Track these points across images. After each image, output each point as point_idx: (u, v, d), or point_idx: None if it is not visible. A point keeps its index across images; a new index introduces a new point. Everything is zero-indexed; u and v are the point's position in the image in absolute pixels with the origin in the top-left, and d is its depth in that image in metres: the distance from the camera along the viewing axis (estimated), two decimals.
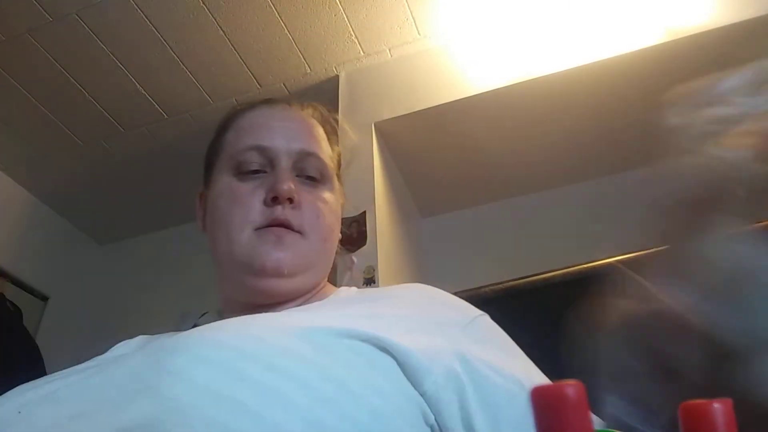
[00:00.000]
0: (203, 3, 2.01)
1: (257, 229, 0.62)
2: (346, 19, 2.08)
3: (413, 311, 0.55)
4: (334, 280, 0.75)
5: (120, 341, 0.64)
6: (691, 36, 1.81)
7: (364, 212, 1.84)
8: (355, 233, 1.78)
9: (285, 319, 0.52)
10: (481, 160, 2.24)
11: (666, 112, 0.36)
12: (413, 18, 2.08)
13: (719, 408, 0.23)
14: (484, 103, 2.01)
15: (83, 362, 0.57)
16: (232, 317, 0.52)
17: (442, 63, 2.11)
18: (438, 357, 0.48)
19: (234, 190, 0.65)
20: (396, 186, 2.18)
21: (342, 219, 0.75)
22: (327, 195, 0.68)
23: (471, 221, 2.42)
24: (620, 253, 0.93)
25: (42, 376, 0.54)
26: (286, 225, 0.62)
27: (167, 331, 0.65)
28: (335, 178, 0.72)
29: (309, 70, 2.26)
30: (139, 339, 0.63)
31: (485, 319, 0.57)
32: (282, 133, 0.68)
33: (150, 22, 2.07)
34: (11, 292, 2.52)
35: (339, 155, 0.77)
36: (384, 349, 0.47)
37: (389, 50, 2.19)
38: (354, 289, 0.70)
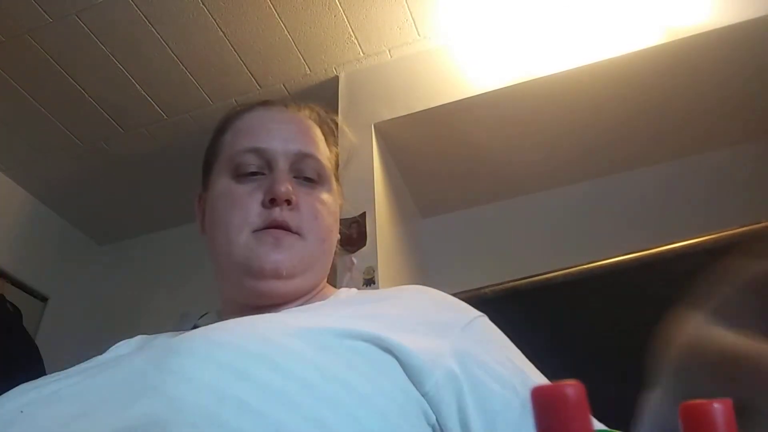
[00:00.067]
0: (203, 3, 2.01)
1: (255, 231, 0.62)
2: (346, 19, 2.08)
3: (413, 312, 0.55)
4: (333, 280, 0.75)
5: (119, 341, 0.64)
6: (690, 36, 1.81)
7: (364, 213, 1.84)
8: (355, 234, 1.78)
9: (287, 319, 0.52)
10: (481, 161, 2.24)
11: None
12: (413, 18, 2.08)
13: (719, 408, 0.23)
14: (484, 103, 2.01)
15: (83, 362, 0.57)
16: (231, 318, 0.52)
17: (441, 63, 2.12)
18: (439, 358, 0.48)
19: (232, 192, 0.65)
20: (396, 186, 2.18)
21: (342, 219, 0.75)
22: (325, 196, 0.68)
23: (471, 221, 2.42)
24: (620, 253, 0.93)
25: (42, 376, 0.54)
26: (284, 227, 0.62)
27: (166, 331, 0.65)
28: (333, 179, 0.72)
29: (309, 71, 2.26)
30: (139, 339, 0.63)
31: (484, 320, 0.57)
32: (279, 134, 0.68)
33: (150, 22, 2.07)
34: (11, 293, 2.52)
35: (337, 156, 0.77)
36: (386, 349, 0.47)
37: (389, 51, 2.19)
38: (354, 290, 0.70)
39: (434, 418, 0.46)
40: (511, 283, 0.97)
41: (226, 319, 0.60)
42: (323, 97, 2.22)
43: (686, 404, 0.23)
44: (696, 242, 0.88)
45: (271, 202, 0.62)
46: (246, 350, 0.44)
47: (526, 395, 0.48)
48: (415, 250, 2.27)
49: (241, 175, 0.66)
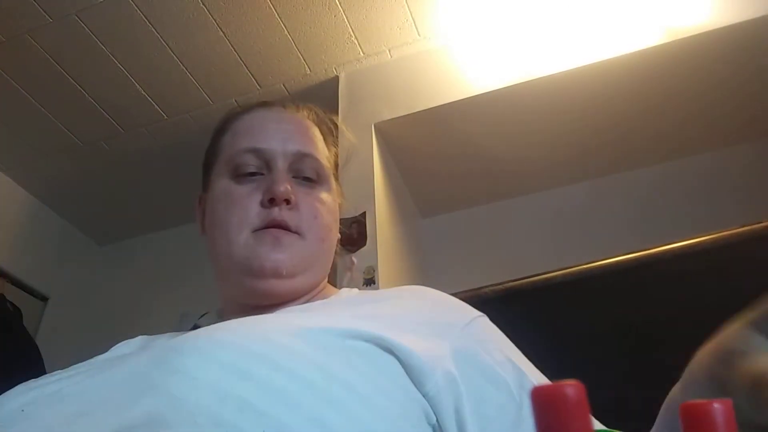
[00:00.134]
0: (203, 3, 2.01)
1: (255, 230, 0.62)
2: (346, 19, 2.08)
3: (414, 312, 0.55)
4: (334, 280, 0.75)
5: (119, 341, 0.64)
6: (690, 36, 1.81)
7: (364, 212, 1.84)
8: (355, 233, 1.78)
9: (288, 319, 0.52)
10: (481, 161, 2.24)
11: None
12: (413, 19, 2.08)
13: (719, 408, 0.23)
14: (484, 103, 2.01)
15: (85, 361, 0.57)
16: (232, 318, 0.52)
17: (442, 64, 2.12)
18: (439, 359, 0.48)
19: (231, 192, 0.65)
20: (396, 186, 2.18)
21: (342, 219, 0.75)
22: (324, 195, 0.68)
23: (471, 221, 2.42)
24: (621, 253, 0.93)
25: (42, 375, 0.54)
26: (283, 226, 0.62)
27: (167, 332, 0.65)
28: (332, 179, 0.72)
29: (309, 71, 2.26)
30: (140, 339, 0.63)
31: (484, 320, 0.57)
32: (278, 134, 0.68)
33: (150, 22, 2.07)
34: (11, 292, 2.52)
35: (336, 156, 0.77)
36: (387, 349, 0.47)
37: (389, 51, 2.19)
38: (355, 290, 0.70)
39: (435, 418, 0.46)
40: (511, 283, 0.97)
41: (227, 319, 0.60)
42: (323, 97, 2.22)
43: (686, 404, 0.23)
44: (695, 242, 0.88)
45: (270, 201, 0.63)
46: (248, 350, 0.44)
47: (524, 397, 0.49)
48: (415, 249, 2.27)
49: (240, 175, 0.66)
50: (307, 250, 0.64)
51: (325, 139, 0.74)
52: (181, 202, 2.68)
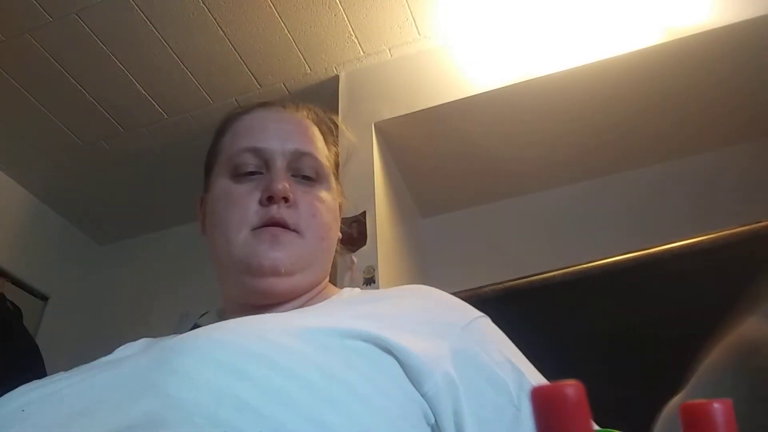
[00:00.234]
0: (203, 3, 2.01)
1: (254, 229, 0.63)
2: (346, 19, 2.08)
3: (414, 312, 0.55)
4: (334, 279, 0.76)
5: (119, 341, 0.64)
6: (690, 36, 1.81)
7: (364, 212, 1.84)
8: (355, 233, 1.78)
9: (289, 319, 0.52)
10: (481, 160, 2.24)
11: None
12: (413, 18, 2.08)
13: (719, 408, 0.23)
14: (484, 103, 2.01)
15: (87, 363, 0.57)
16: (233, 318, 0.53)
17: (442, 63, 2.12)
18: (438, 360, 0.48)
19: (231, 192, 0.65)
20: (396, 186, 2.18)
21: (342, 218, 0.75)
22: (323, 194, 0.68)
23: (471, 221, 2.42)
24: (621, 253, 0.93)
25: (42, 375, 0.55)
26: (281, 224, 0.63)
27: (169, 334, 0.65)
28: (332, 177, 0.72)
29: (309, 70, 2.26)
30: (143, 341, 0.63)
31: (485, 320, 0.57)
32: (276, 134, 0.68)
33: (150, 22, 2.07)
34: (11, 292, 2.52)
35: (337, 155, 0.77)
36: (386, 349, 0.47)
37: (389, 50, 2.19)
38: (357, 290, 0.70)
39: (433, 418, 0.46)
40: (511, 283, 0.97)
41: (228, 319, 0.60)
42: (323, 96, 2.23)
43: (686, 404, 0.23)
44: (695, 242, 0.88)
45: (269, 200, 0.63)
46: (246, 349, 0.44)
47: (523, 399, 0.49)
48: (415, 249, 2.27)
49: (239, 175, 0.66)
50: (305, 248, 0.64)
51: (324, 138, 0.74)
52: (181, 202, 2.68)
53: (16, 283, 2.63)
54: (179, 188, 2.57)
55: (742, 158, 2.11)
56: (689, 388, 0.41)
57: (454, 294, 0.62)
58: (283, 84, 2.30)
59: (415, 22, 2.09)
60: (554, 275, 0.95)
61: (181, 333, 0.59)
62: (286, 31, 2.11)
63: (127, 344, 0.62)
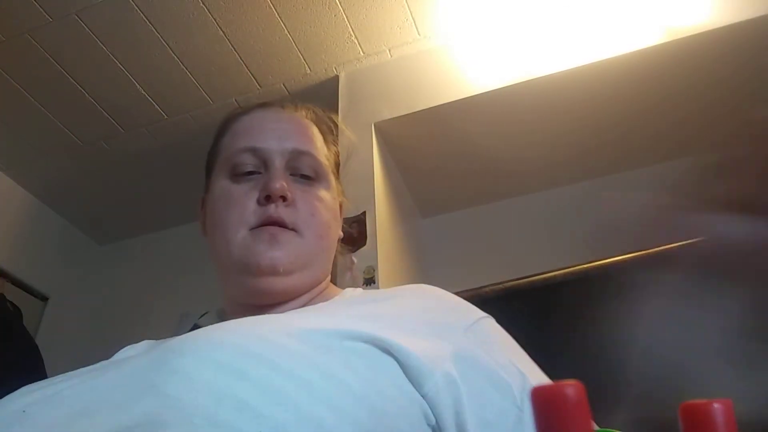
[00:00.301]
0: (203, 3, 2.01)
1: (252, 228, 0.63)
2: (346, 19, 2.08)
3: (415, 312, 0.55)
4: (334, 279, 0.75)
5: (119, 341, 0.64)
6: (690, 36, 1.81)
7: (364, 212, 1.84)
8: (355, 233, 1.78)
9: (289, 320, 0.52)
10: (481, 160, 2.24)
11: None
12: (413, 18, 2.08)
13: (719, 408, 0.23)
14: (484, 103, 2.01)
15: (88, 364, 0.57)
16: (235, 319, 0.53)
17: (442, 63, 2.12)
18: (439, 360, 0.48)
19: (229, 192, 0.66)
20: (396, 186, 2.18)
21: (343, 219, 0.75)
22: (323, 193, 0.68)
23: (471, 221, 2.42)
24: (621, 253, 0.93)
25: (42, 376, 0.55)
26: (279, 223, 0.63)
27: (169, 334, 0.65)
28: (332, 177, 0.72)
29: (309, 71, 2.26)
30: (144, 343, 0.63)
31: (489, 321, 0.57)
32: (275, 134, 0.68)
33: (150, 22, 2.07)
34: (11, 292, 2.52)
35: (337, 155, 0.77)
36: (386, 350, 0.47)
37: (389, 50, 2.19)
38: (359, 290, 0.70)
39: (434, 419, 0.46)
40: (512, 283, 0.97)
41: (229, 319, 0.60)
42: (323, 96, 2.23)
43: (686, 404, 0.23)
44: (694, 242, 0.87)
45: (267, 199, 0.63)
46: (246, 350, 0.44)
47: (525, 401, 0.48)
48: (415, 249, 2.27)
49: (238, 175, 0.66)
50: (304, 247, 0.64)
51: (324, 137, 0.74)
52: (181, 202, 2.68)
53: (16, 284, 2.63)
54: (179, 188, 2.57)
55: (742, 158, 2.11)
56: None
57: (455, 294, 0.61)
58: (283, 84, 2.30)
59: (414, 22, 2.09)
60: (555, 275, 0.95)
61: (180, 333, 0.59)
62: (286, 31, 2.11)
63: (129, 346, 0.63)
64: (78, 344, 2.60)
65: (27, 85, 2.30)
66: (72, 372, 0.54)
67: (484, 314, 0.57)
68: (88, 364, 0.55)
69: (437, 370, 0.47)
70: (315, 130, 0.73)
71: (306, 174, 0.68)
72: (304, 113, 0.75)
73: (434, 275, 2.23)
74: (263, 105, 0.74)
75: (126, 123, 2.46)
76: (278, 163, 0.66)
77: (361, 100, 2.17)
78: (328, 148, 0.74)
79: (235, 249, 0.62)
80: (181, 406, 0.40)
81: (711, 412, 0.23)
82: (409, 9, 2.05)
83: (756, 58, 1.87)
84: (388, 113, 2.09)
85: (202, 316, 0.75)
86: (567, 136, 2.15)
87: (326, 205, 0.68)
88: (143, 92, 2.33)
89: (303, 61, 2.22)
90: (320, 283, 0.68)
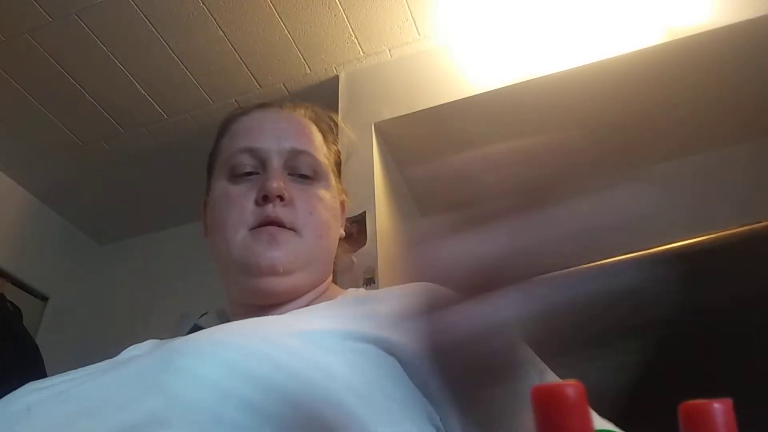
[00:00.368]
0: (203, 3, 2.01)
1: (251, 229, 0.63)
2: (346, 19, 2.08)
3: (416, 310, 0.55)
4: (334, 280, 0.76)
5: (119, 341, 0.64)
6: (690, 36, 1.81)
7: (364, 212, 1.84)
8: (355, 233, 1.78)
9: (291, 320, 0.52)
10: None
11: None
12: (413, 18, 2.08)
13: (719, 408, 0.23)
14: (484, 103, 2.01)
15: (90, 362, 0.57)
16: (237, 320, 0.53)
17: (442, 63, 2.12)
18: None
19: (228, 193, 0.66)
20: (396, 186, 2.18)
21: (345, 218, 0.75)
22: (322, 192, 0.68)
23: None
24: (621, 253, 0.93)
25: (42, 376, 0.55)
26: (277, 222, 0.63)
27: (169, 334, 0.65)
28: (332, 176, 0.72)
29: (309, 71, 2.26)
30: (149, 343, 0.63)
31: None
32: (273, 133, 0.69)
33: (150, 22, 2.07)
34: (11, 292, 2.52)
35: (338, 154, 0.77)
36: (388, 350, 0.47)
37: (389, 50, 2.19)
38: (362, 290, 0.70)
39: (437, 418, 0.46)
40: None
41: (232, 320, 0.60)
42: (323, 96, 2.23)
43: (686, 404, 0.23)
44: (695, 242, 0.88)
45: (264, 199, 0.63)
46: (249, 350, 0.44)
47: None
48: None
49: (236, 175, 0.66)
50: (303, 246, 0.64)
51: (324, 136, 0.74)
52: (181, 202, 2.68)
53: (16, 284, 2.63)
54: (179, 188, 2.57)
55: (742, 158, 2.11)
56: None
57: None
58: (283, 84, 2.30)
59: (414, 22, 2.09)
60: (555, 275, 0.95)
61: (180, 334, 0.59)
62: (286, 31, 2.11)
63: (134, 346, 0.63)
64: (78, 344, 2.61)
65: (27, 85, 2.30)
66: (76, 370, 0.54)
67: None
68: (89, 364, 0.55)
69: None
70: (314, 129, 0.73)
71: (304, 173, 0.68)
72: (303, 112, 0.75)
73: None
74: (262, 105, 0.74)
75: (126, 123, 2.46)
76: (276, 162, 0.66)
77: (361, 100, 2.17)
78: (328, 147, 0.74)
79: (234, 249, 0.62)
80: (185, 404, 0.40)
81: (711, 412, 0.23)
82: (409, 9, 2.05)
83: (756, 58, 1.87)
84: (388, 113, 2.09)
85: (201, 316, 0.75)
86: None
87: (325, 204, 0.68)
88: (143, 92, 2.33)
89: (303, 61, 2.22)
90: (322, 282, 0.68)
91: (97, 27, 2.09)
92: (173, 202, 2.71)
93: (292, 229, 0.63)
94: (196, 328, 0.68)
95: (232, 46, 2.16)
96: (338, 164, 0.77)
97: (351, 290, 0.69)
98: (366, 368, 0.45)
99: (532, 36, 2.02)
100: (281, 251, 0.62)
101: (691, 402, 0.23)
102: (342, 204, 0.75)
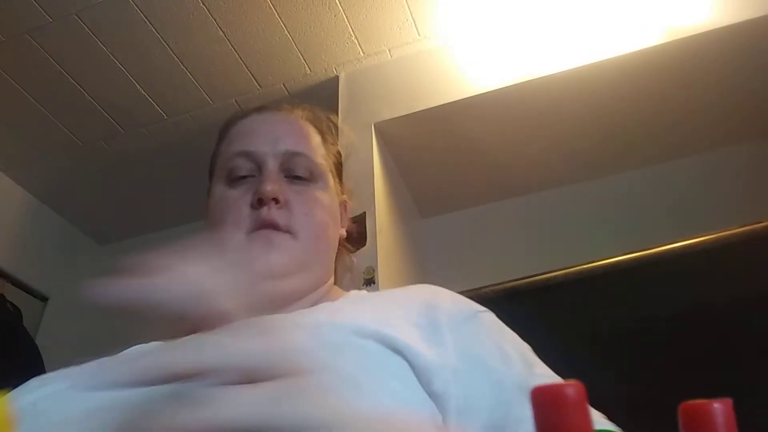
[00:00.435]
0: (203, 3, 2.01)
1: (248, 233, 0.63)
2: (346, 19, 2.08)
3: (421, 311, 0.55)
4: (335, 280, 0.76)
5: (119, 341, 0.64)
6: (690, 36, 1.81)
7: (364, 212, 1.84)
8: (355, 233, 1.78)
9: (296, 319, 0.52)
10: (481, 161, 2.24)
11: None
12: (413, 18, 2.07)
13: (719, 408, 0.23)
14: (484, 103, 2.01)
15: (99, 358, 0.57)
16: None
17: (442, 63, 2.11)
18: (444, 357, 0.48)
19: (225, 197, 0.66)
20: (396, 186, 2.18)
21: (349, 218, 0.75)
22: (319, 193, 0.68)
23: (471, 221, 2.42)
24: (621, 253, 0.93)
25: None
26: (273, 225, 0.62)
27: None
28: (330, 177, 0.72)
29: (309, 71, 2.26)
30: (154, 345, 0.63)
31: (488, 315, 0.58)
32: (268, 136, 0.69)
33: (150, 22, 2.07)
34: (11, 292, 2.52)
35: (338, 154, 0.77)
36: (395, 349, 0.47)
37: (389, 50, 2.19)
38: (364, 291, 0.70)
39: (441, 417, 0.46)
40: (512, 283, 0.97)
41: None
42: (323, 96, 2.22)
43: (686, 404, 0.23)
44: (695, 242, 0.88)
45: (259, 202, 0.63)
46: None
47: (519, 394, 0.49)
48: (415, 250, 2.27)
49: (233, 179, 0.67)
50: (300, 249, 0.64)
51: (323, 137, 0.74)
52: (181, 202, 2.68)
53: (16, 284, 2.62)
54: (179, 188, 2.57)
55: (742, 158, 2.11)
56: None
57: None
58: (283, 85, 2.30)
59: (414, 22, 2.09)
60: (555, 275, 0.95)
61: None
62: (286, 31, 2.11)
63: (139, 345, 0.63)
64: (78, 344, 2.60)
65: (27, 85, 2.30)
66: (82, 365, 0.54)
67: (482, 308, 0.58)
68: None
69: (443, 368, 0.47)
70: (311, 130, 0.73)
71: (300, 175, 0.68)
72: (300, 113, 0.75)
73: (434, 275, 2.23)
74: (260, 109, 0.75)
75: (126, 123, 2.46)
76: (271, 165, 0.66)
77: (361, 101, 2.17)
78: (327, 148, 0.74)
79: (230, 253, 0.62)
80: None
81: (711, 412, 0.23)
82: (409, 9, 2.05)
83: (756, 58, 1.87)
84: (388, 113, 2.08)
85: None
86: (567, 137, 2.15)
87: (322, 205, 0.68)
88: (143, 92, 2.33)
89: (303, 61, 2.22)
90: (323, 284, 0.68)
91: (97, 27, 2.08)
92: (173, 202, 2.70)
93: (287, 231, 0.63)
94: None
95: (232, 46, 2.16)
96: (338, 165, 0.77)
97: (353, 292, 0.69)
98: (373, 367, 0.46)
99: (532, 36, 2.02)
100: (278, 255, 0.62)
101: (691, 402, 0.23)
102: (343, 204, 0.75)
